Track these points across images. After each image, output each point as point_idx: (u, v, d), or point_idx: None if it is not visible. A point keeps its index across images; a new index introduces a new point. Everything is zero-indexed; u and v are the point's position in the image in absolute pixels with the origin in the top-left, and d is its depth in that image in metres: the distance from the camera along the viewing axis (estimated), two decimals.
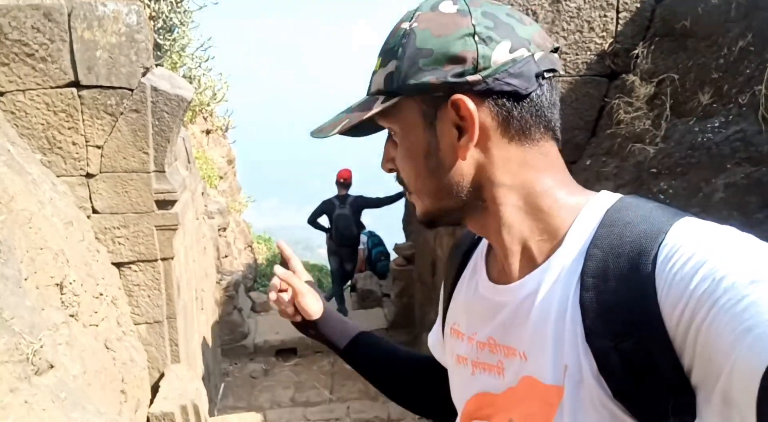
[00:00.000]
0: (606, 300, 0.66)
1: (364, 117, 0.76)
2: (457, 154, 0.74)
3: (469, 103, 0.70)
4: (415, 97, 0.74)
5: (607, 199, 0.76)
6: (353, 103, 0.82)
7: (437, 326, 1.07)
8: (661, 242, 0.64)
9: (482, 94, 0.71)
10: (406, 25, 0.74)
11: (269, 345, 6.93)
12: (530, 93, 0.72)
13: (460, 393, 0.90)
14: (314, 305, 1.13)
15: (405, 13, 0.78)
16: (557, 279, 0.72)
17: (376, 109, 0.75)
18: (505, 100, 0.71)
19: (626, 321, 0.64)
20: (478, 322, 0.85)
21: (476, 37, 0.69)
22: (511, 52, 0.70)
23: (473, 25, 0.70)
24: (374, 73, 0.79)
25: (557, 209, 0.75)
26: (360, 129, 0.81)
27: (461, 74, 0.70)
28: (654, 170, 2.88)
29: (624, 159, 3.15)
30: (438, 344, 1.07)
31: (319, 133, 0.80)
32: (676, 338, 0.60)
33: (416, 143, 0.76)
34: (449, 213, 0.80)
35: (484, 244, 0.91)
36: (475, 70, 0.70)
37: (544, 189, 0.75)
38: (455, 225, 0.85)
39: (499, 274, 0.83)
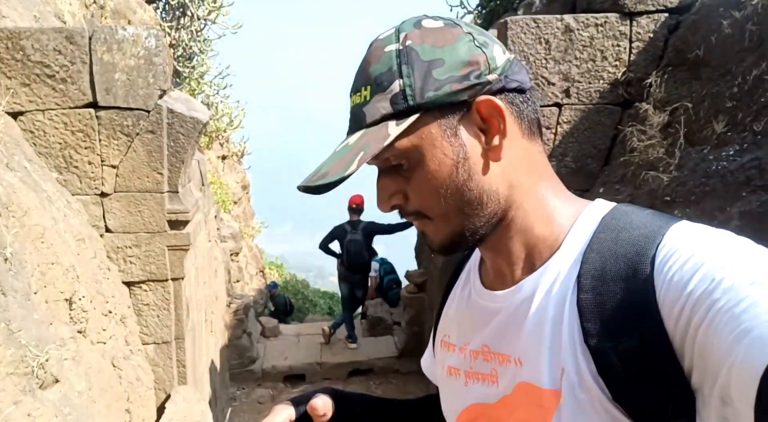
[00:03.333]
0: (604, 301, 0.66)
1: (387, 143, 0.69)
2: (489, 158, 0.73)
3: (497, 101, 0.71)
4: (433, 111, 0.70)
5: (602, 206, 0.77)
6: (338, 147, 0.73)
7: (430, 346, 1.04)
8: (659, 244, 0.65)
9: (497, 92, 0.72)
10: (393, 47, 0.72)
11: (277, 370, 6.86)
12: (527, 88, 0.75)
13: (452, 405, 0.88)
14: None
15: (376, 40, 0.75)
16: (553, 283, 0.72)
17: (398, 130, 0.69)
18: (513, 96, 0.74)
19: (626, 322, 0.63)
20: (470, 331, 0.84)
21: (476, 42, 0.71)
22: (503, 53, 0.74)
23: (469, 33, 0.72)
24: (363, 104, 0.73)
25: (559, 215, 0.77)
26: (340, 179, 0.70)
27: (479, 76, 0.70)
28: (668, 198, 2.86)
29: (637, 187, 3.13)
30: (432, 365, 1.03)
31: (321, 179, 0.69)
32: (676, 338, 0.60)
33: (441, 159, 0.71)
34: (473, 232, 0.75)
35: (476, 256, 0.91)
36: (489, 70, 0.71)
37: (550, 193, 0.77)
38: (472, 248, 0.79)
39: (492, 283, 0.83)
